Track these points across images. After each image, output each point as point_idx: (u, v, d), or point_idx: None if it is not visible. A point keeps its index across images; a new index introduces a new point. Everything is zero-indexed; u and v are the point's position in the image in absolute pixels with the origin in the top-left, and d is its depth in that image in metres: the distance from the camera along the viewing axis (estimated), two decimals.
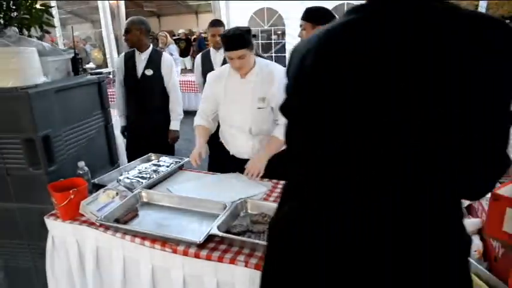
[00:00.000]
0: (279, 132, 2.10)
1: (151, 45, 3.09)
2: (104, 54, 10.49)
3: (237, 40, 1.95)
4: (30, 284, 2.09)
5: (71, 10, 13.58)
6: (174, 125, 3.15)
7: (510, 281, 1.18)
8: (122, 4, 10.02)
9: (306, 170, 0.79)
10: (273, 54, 10.40)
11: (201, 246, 1.46)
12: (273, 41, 10.77)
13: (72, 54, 2.16)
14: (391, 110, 0.67)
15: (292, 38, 9.96)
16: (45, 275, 1.87)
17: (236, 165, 2.22)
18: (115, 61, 3.26)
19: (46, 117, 1.85)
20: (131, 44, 3.02)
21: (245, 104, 2.11)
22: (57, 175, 1.89)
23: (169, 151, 3.11)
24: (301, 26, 2.42)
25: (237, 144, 2.24)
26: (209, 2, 11.29)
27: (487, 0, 8.03)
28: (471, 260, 1.28)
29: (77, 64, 2.18)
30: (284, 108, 0.89)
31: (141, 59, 3.04)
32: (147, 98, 3.08)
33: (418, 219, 0.73)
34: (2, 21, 1.98)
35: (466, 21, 0.66)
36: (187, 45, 11.55)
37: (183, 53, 11.24)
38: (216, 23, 3.26)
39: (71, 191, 1.71)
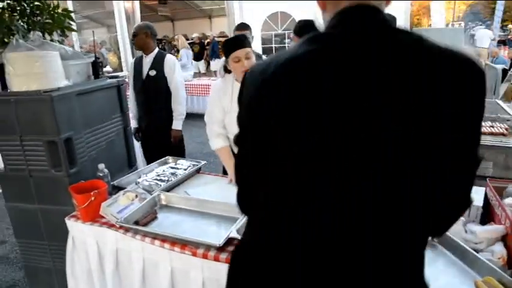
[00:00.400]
0: None
1: (157, 48, 3.20)
2: (119, 58, 10.70)
3: (243, 39, 2.00)
4: (49, 284, 2.13)
5: (87, 15, 13.84)
6: (176, 124, 3.19)
7: None
8: (137, 9, 10.18)
9: (282, 169, 0.74)
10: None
11: (220, 249, 1.47)
12: (286, 45, 10.81)
13: (93, 58, 2.21)
14: (371, 94, 0.66)
15: None
16: (64, 276, 1.89)
17: None
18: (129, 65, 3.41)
19: (68, 120, 1.89)
20: (138, 47, 3.17)
21: None
22: (77, 177, 1.92)
23: (178, 152, 3.14)
24: (291, 38, 2.51)
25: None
26: (223, 6, 11.39)
27: (504, 0, 7.90)
28: (494, 267, 1.26)
29: (97, 68, 2.22)
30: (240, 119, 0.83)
31: (147, 61, 3.16)
32: (151, 98, 3.16)
33: (399, 204, 0.72)
34: (25, 26, 2.03)
35: (428, 56, 0.68)
36: (201, 49, 11.63)
37: (197, 57, 11.32)
38: (242, 25, 3.34)
39: (91, 193, 1.74)
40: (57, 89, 1.87)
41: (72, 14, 2.38)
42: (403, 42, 0.69)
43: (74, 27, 2.42)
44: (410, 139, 0.67)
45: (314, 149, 0.69)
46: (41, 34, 1.94)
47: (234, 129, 2.20)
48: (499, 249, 1.36)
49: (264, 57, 2.28)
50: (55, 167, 1.88)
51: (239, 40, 2.00)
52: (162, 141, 3.15)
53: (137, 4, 10.18)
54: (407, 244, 0.76)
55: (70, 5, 10.59)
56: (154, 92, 3.14)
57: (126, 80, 3.53)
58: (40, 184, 1.94)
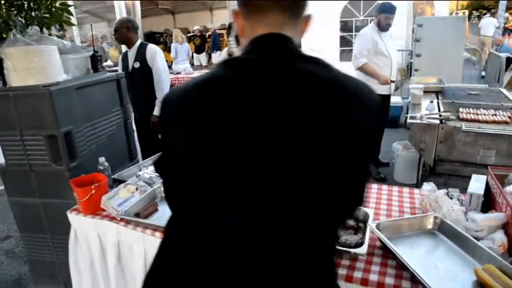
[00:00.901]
0: None
1: (139, 40, 3.24)
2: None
3: None
4: (53, 277, 2.15)
5: (86, 10, 13.78)
6: (156, 110, 3.21)
7: None
8: (138, 3, 10.13)
9: (198, 171, 0.77)
10: None
11: None
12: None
13: (92, 52, 2.20)
14: (272, 111, 0.73)
15: (307, 33, 9.85)
16: (68, 269, 1.91)
17: None
18: None
19: (67, 114, 1.89)
20: (120, 41, 3.24)
21: None
22: (78, 171, 1.93)
23: None
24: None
25: None
26: None
27: (506, 0, 7.82)
28: (495, 255, 1.25)
29: (96, 62, 2.22)
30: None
31: (131, 55, 3.22)
32: (140, 90, 3.19)
33: (308, 207, 0.76)
34: (23, 21, 2.03)
35: (322, 86, 0.75)
36: (202, 42, 11.60)
37: (198, 50, 11.29)
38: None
39: (92, 186, 1.75)
40: (56, 84, 1.87)
41: (71, 8, 2.38)
42: (305, 68, 0.76)
43: (73, 21, 2.41)
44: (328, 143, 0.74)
45: (224, 154, 0.73)
46: (38, 29, 1.94)
47: None
48: (500, 236, 1.35)
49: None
50: (55, 161, 1.89)
51: None
52: (156, 133, 3.19)
53: None
54: (318, 243, 0.81)
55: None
56: (141, 83, 3.18)
57: None
58: (41, 178, 1.95)
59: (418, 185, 2.80)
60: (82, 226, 1.82)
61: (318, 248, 0.81)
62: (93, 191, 1.75)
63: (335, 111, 0.74)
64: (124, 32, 3.15)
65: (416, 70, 5.25)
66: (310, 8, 0.86)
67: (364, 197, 0.92)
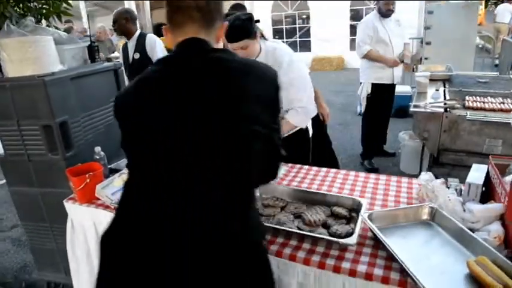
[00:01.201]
0: (293, 117, 2.09)
1: (138, 31, 3.25)
2: None
3: (237, 31, 1.88)
4: (54, 265, 2.19)
5: (96, 2, 13.83)
6: None
7: None
8: None
9: (138, 148, 1.01)
10: (298, 39, 10.22)
11: None
12: (297, 26, 10.58)
13: (88, 43, 2.20)
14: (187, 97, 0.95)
15: (317, 23, 9.71)
16: (67, 256, 1.94)
17: None
18: None
19: (63, 104, 1.90)
20: (119, 32, 3.25)
21: None
22: (75, 160, 1.94)
23: None
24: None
25: None
26: None
27: None
28: (489, 247, 1.21)
29: (93, 52, 2.21)
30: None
31: (131, 46, 3.24)
32: None
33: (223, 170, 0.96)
34: (20, 12, 2.03)
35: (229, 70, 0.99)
36: None
37: None
38: (237, 6, 3.25)
39: (86, 175, 1.76)
40: (52, 74, 1.87)
41: (81, 2, 2.38)
42: (215, 61, 1.00)
43: (72, 12, 2.41)
44: (223, 131, 0.94)
45: (153, 135, 0.96)
46: (33, 19, 1.94)
47: None
48: (496, 228, 1.30)
49: (269, 41, 2.20)
50: (52, 150, 1.90)
51: (231, 33, 1.89)
52: None
53: None
54: (228, 204, 0.99)
55: None
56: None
57: None
58: (39, 168, 1.97)
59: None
60: (78, 215, 1.83)
61: (228, 208, 1.00)
62: (88, 180, 1.76)
63: (237, 89, 0.97)
64: (123, 23, 3.16)
65: (426, 58, 5.11)
66: None
67: (277, 172, 1.13)
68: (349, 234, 1.37)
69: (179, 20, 1.02)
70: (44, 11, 2.17)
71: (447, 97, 2.74)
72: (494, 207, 1.39)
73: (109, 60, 2.52)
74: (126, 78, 3.32)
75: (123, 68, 3.29)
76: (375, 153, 3.98)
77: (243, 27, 1.90)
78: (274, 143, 1.06)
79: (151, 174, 0.99)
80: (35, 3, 2.22)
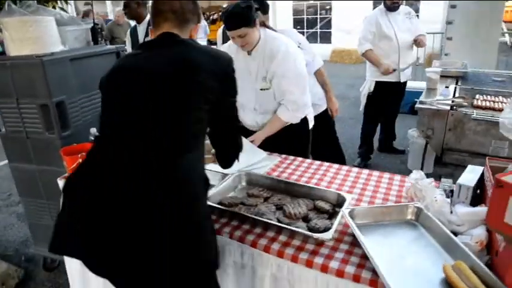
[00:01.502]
0: (283, 114, 2.08)
1: (148, 15, 3.17)
2: None
3: (236, 19, 1.87)
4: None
5: None
6: None
7: (508, 279, 1.06)
8: None
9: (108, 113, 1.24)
10: (318, 30, 10.03)
11: None
12: (318, 16, 10.38)
13: (91, 25, 2.22)
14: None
15: (339, 14, 9.48)
16: None
17: (244, 135, 2.21)
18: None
19: (61, 84, 1.93)
20: (130, 17, 3.25)
21: (249, 84, 2.06)
22: (71, 140, 1.98)
23: None
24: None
25: (244, 117, 2.20)
26: None
27: None
28: (468, 252, 1.16)
29: (96, 34, 2.23)
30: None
31: (141, 30, 3.22)
32: None
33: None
34: None
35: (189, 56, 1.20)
36: None
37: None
38: None
39: (79, 155, 1.78)
40: (51, 54, 1.90)
41: None
42: (179, 44, 1.24)
43: None
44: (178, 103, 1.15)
45: (117, 105, 1.21)
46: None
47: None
48: (479, 233, 1.25)
49: (274, 33, 2.16)
50: (48, 129, 1.95)
51: (230, 21, 1.90)
52: None
53: None
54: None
55: None
56: None
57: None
58: (36, 146, 2.02)
59: None
60: None
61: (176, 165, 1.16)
62: (80, 160, 1.79)
63: (193, 63, 1.18)
64: (134, 7, 3.17)
65: (446, 54, 4.92)
66: None
67: (236, 141, 1.38)
68: (327, 229, 1.34)
69: (158, 21, 1.27)
70: None
71: (457, 94, 2.64)
72: (480, 211, 1.33)
73: (111, 40, 2.55)
74: None
75: (130, 50, 3.33)
76: (371, 153, 3.91)
77: (242, 14, 1.88)
78: (228, 111, 1.30)
79: (115, 131, 1.20)
80: None
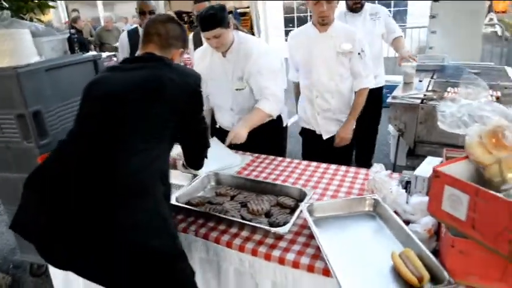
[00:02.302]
0: (264, 105, 2.09)
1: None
2: None
3: (210, 20, 1.93)
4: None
5: None
6: None
7: (447, 263, 1.12)
8: None
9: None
10: None
11: None
12: (308, 14, 10.42)
13: (68, 35, 2.28)
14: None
15: (337, 14, 9.51)
16: None
17: (222, 136, 2.26)
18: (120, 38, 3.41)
19: (37, 94, 1.99)
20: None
21: (225, 85, 2.12)
22: (51, 147, 1.99)
23: None
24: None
25: (221, 118, 2.27)
26: None
27: None
28: (416, 240, 1.22)
29: (72, 44, 2.30)
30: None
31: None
32: None
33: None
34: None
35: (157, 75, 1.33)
36: None
37: None
38: None
39: None
40: (27, 65, 1.96)
41: None
42: (152, 67, 1.35)
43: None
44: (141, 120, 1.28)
45: (87, 112, 1.34)
46: (9, 13, 2.03)
47: (214, 96, 2.23)
48: (427, 221, 1.31)
49: (247, 35, 2.23)
50: (26, 138, 2.01)
51: (205, 22, 1.96)
52: None
53: None
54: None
55: None
56: None
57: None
58: (16, 155, 2.09)
59: (395, 168, 2.72)
60: None
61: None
62: None
63: (163, 80, 1.30)
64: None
65: (430, 48, 4.97)
66: None
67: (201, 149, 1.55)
68: (286, 224, 1.40)
69: (145, 41, 1.44)
70: (23, 4, 2.26)
71: (430, 88, 2.69)
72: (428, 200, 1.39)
73: (115, 49, 2.61)
74: None
75: (122, 55, 3.33)
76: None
77: (216, 15, 1.95)
78: (197, 125, 1.46)
79: (82, 135, 1.30)
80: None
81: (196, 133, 1.48)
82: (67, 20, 8.51)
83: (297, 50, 2.35)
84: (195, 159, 1.57)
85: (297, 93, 2.60)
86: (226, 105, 2.19)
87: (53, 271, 1.99)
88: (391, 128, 3.56)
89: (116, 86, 1.31)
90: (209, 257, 1.47)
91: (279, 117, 2.32)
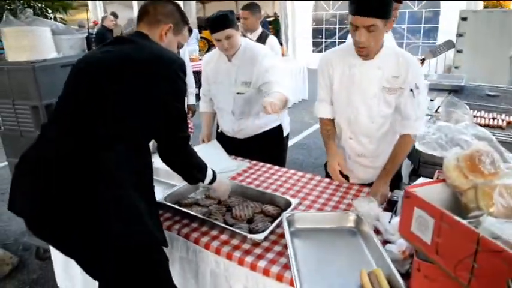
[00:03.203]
0: (281, 90, 1.93)
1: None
2: None
3: (222, 20, 2.00)
4: None
5: None
6: (189, 99, 3.34)
7: (412, 286, 1.11)
8: None
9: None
10: (337, 40, 10.04)
11: None
12: (337, 26, 10.40)
13: (86, 34, 2.41)
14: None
15: None
16: None
17: (223, 140, 2.32)
18: None
19: (52, 87, 2.11)
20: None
21: (228, 88, 2.18)
22: None
23: None
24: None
25: (222, 122, 2.32)
26: None
27: None
28: (388, 261, 1.22)
29: (90, 43, 2.42)
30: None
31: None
32: None
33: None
34: (25, 5, 2.29)
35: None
36: None
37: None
38: (247, 6, 3.34)
39: None
40: (43, 61, 2.09)
41: None
42: (129, 47, 1.35)
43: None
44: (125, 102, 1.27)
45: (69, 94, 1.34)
46: (31, 11, 2.18)
47: (217, 99, 2.29)
48: (402, 242, 1.30)
49: (252, 41, 2.29)
50: (39, 128, 2.12)
51: (217, 22, 2.02)
52: None
53: None
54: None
55: None
56: None
57: None
58: (29, 143, 2.19)
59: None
60: None
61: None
62: None
63: (122, 68, 1.28)
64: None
65: (456, 67, 4.86)
66: None
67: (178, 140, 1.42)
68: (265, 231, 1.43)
69: (137, 21, 1.46)
70: (49, 3, 2.41)
71: (440, 109, 2.64)
72: None
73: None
74: None
75: None
76: None
77: (228, 16, 2.02)
78: (171, 114, 1.35)
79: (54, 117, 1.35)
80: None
81: (175, 130, 1.37)
82: (96, 20, 8.84)
83: (332, 76, 1.83)
84: (167, 154, 1.43)
85: (328, 132, 1.94)
86: (228, 108, 2.24)
87: (54, 256, 2.10)
88: None
89: (90, 66, 1.32)
90: (188, 257, 1.51)
91: (280, 127, 2.34)
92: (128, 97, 1.26)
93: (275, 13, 12.46)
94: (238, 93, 2.16)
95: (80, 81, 1.30)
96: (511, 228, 0.95)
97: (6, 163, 2.46)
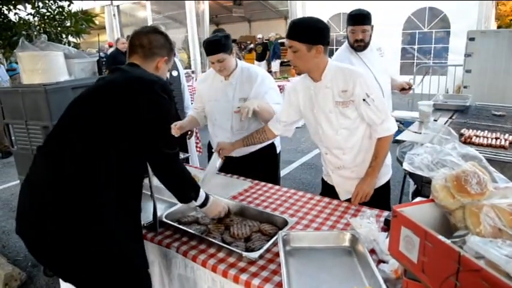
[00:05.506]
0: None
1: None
2: (188, 56, 11.47)
3: (215, 45, 2.11)
4: None
5: (168, 15, 14.85)
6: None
7: None
8: (207, 10, 10.81)
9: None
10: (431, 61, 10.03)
11: (149, 229, 1.66)
12: (433, 45, 10.36)
13: (97, 57, 2.53)
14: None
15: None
16: None
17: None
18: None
19: (62, 109, 2.20)
20: None
21: (226, 105, 2.25)
22: None
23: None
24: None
25: (217, 141, 2.37)
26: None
27: None
28: (379, 281, 1.22)
29: (100, 66, 2.54)
30: None
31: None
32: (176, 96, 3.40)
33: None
34: (40, 31, 2.42)
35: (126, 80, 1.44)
36: (264, 50, 11.88)
37: (259, 58, 11.58)
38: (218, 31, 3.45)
39: None
40: (55, 83, 2.20)
41: (149, 15, 2.73)
42: (128, 74, 1.45)
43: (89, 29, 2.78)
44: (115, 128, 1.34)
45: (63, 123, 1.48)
46: (46, 36, 2.31)
47: (214, 116, 2.36)
48: (394, 261, 1.30)
49: (247, 63, 2.39)
50: None
51: (210, 46, 2.13)
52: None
53: (207, 4, 10.81)
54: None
55: (148, 5, 11.60)
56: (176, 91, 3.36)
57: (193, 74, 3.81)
58: None
59: None
60: None
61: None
62: None
63: (121, 100, 1.36)
64: None
65: (465, 87, 4.85)
66: None
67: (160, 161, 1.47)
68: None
69: (130, 52, 1.53)
70: (64, 29, 2.54)
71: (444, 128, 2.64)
72: None
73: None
74: None
75: None
76: None
77: (220, 42, 2.12)
78: (151, 134, 1.40)
79: (56, 139, 1.43)
80: (63, 22, 2.61)
81: (155, 138, 1.41)
82: (111, 41, 9.16)
83: (298, 100, 1.99)
84: (157, 170, 1.47)
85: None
86: (226, 124, 2.31)
87: None
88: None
89: (81, 95, 1.47)
90: (187, 274, 1.54)
91: (272, 144, 2.40)
92: (110, 117, 1.33)
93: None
94: (239, 107, 2.23)
95: (72, 106, 1.46)
96: (495, 247, 0.96)
97: (18, 181, 2.55)
